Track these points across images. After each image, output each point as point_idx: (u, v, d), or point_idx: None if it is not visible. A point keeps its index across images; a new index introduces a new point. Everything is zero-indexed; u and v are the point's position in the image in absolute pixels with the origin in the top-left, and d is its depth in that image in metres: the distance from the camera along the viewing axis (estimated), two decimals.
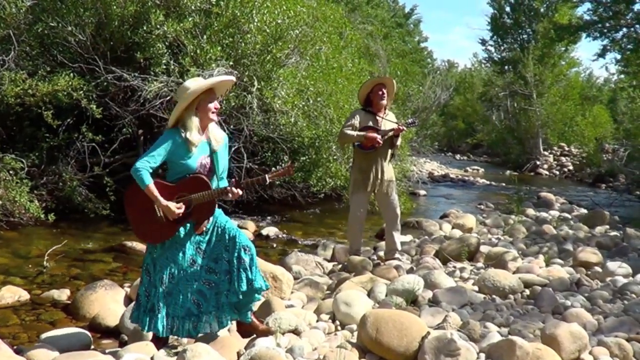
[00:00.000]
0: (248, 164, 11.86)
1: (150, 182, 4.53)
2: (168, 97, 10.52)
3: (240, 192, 4.70)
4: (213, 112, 4.72)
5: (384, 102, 7.88)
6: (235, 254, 4.70)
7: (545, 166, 33.61)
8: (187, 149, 4.60)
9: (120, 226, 10.55)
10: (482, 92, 48.48)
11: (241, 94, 11.08)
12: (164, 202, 4.56)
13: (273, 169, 4.83)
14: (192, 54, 10.62)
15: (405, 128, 7.84)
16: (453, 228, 11.30)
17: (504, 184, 24.27)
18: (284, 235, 11.05)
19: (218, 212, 4.86)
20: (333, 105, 12.47)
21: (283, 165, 4.92)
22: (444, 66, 67.77)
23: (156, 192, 4.55)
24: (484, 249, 8.50)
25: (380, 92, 7.83)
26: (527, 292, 6.39)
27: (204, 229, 4.77)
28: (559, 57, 37.74)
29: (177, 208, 4.58)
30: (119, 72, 10.62)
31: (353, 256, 7.93)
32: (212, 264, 4.76)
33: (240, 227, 10.83)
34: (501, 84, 39.33)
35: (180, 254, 4.71)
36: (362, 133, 7.67)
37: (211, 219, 4.79)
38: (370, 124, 7.78)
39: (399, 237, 8.16)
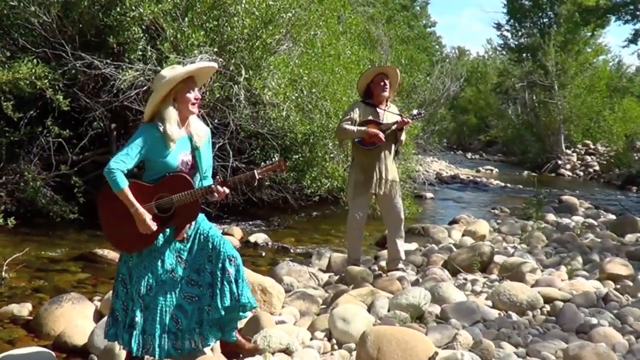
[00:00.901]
0: (234, 162, 11.85)
1: (124, 185, 4.48)
2: (144, 87, 10.50)
3: (227, 192, 4.69)
4: (193, 103, 4.69)
5: (386, 93, 7.88)
6: (220, 265, 4.68)
7: (568, 166, 33.68)
8: (166, 145, 4.58)
9: (90, 232, 10.52)
10: (496, 83, 48.65)
11: (227, 85, 11.07)
12: (140, 210, 4.52)
13: (262, 164, 4.81)
14: (171, 39, 10.60)
15: (410, 120, 7.84)
16: (463, 235, 11.29)
17: (521, 186, 24.30)
18: (274, 243, 11.04)
19: (201, 217, 4.84)
20: (329, 97, 12.47)
21: (273, 159, 4.86)
22: (454, 54, 67.94)
23: (131, 197, 4.51)
24: (498, 259, 8.49)
25: (382, 83, 7.83)
26: (548, 308, 6.38)
27: (185, 235, 4.75)
28: (585, 44, 37.79)
29: (151, 223, 4.56)
30: (89, 59, 10.60)
31: (351, 266, 7.93)
32: (194, 275, 4.73)
33: (225, 233, 10.84)
34: (518, 73, 39.39)
35: (159, 263, 4.66)
36: (362, 128, 7.68)
37: (193, 224, 4.77)
38: (371, 117, 7.79)
39: (402, 245, 8.16)
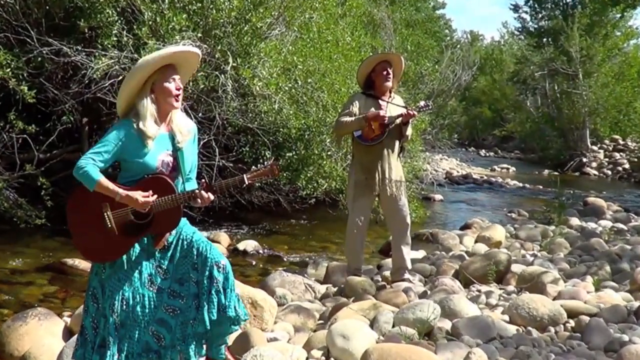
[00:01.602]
0: (220, 161, 11.85)
1: (99, 176, 4.41)
2: (120, 77, 10.47)
3: (212, 197, 4.63)
4: (174, 95, 4.61)
5: (389, 84, 7.87)
6: (206, 273, 4.64)
7: (594, 164, 33.74)
8: (143, 143, 4.52)
9: (59, 239, 10.51)
10: (513, 71, 48.71)
11: (212, 74, 11.06)
12: (124, 192, 4.44)
13: (253, 167, 4.74)
14: (150, 22, 10.59)
15: (416, 113, 7.83)
16: (477, 242, 11.31)
17: (540, 187, 24.35)
18: (266, 251, 11.05)
19: (183, 221, 4.79)
20: (327, 88, 12.48)
21: (266, 163, 4.81)
22: (466, 39, 68.00)
23: (111, 185, 4.44)
24: (516, 268, 8.50)
25: (385, 72, 7.81)
26: (572, 323, 6.38)
27: (165, 242, 4.72)
28: (613, 27, 37.79)
29: (143, 196, 4.47)
30: (57, 45, 10.58)
31: (352, 277, 7.92)
32: (177, 286, 4.69)
33: (210, 239, 10.81)
34: (538, 61, 39.39)
35: (136, 274, 4.61)
36: (360, 116, 7.67)
37: (175, 230, 4.75)
38: (373, 110, 7.78)
39: (409, 253, 8.15)
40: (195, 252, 4.70)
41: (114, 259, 4.61)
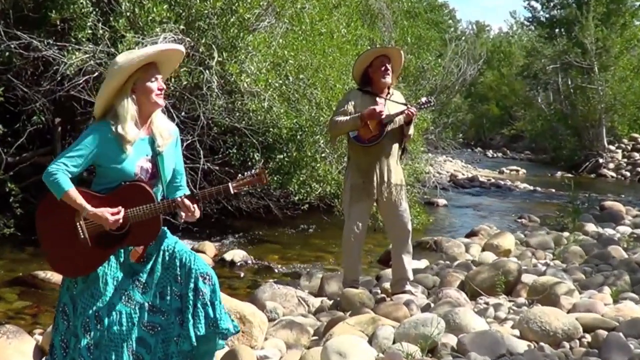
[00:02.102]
0: (205, 164, 11.84)
1: (69, 187, 4.39)
2: (95, 74, 10.48)
3: (196, 210, 4.62)
4: (157, 95, 4.60)
5: (388, 79, 7.86)
6: (191, 285, 4.61)
7: (611, 165, 33.76)
8: (121, 148, 4.50)
9: (30, 250, 10.50)
10: (523, 65, 48.81)
11: (196, 70, 11.06)
12: (91, 209, 4.41)
13: (240, 175, 4.73)
14: (128, 14, 10.58)
15: (415, 111, 7.82)
16: (484, 250, 11.32)
17: (553, 190, 24.38)
18: (255, 261, 11.05)
19: (164, 231, 4.78)
20: (320, 85, 12.48)
21: (253, 170, 4.78)
22: (471, 30, 68.10)
23: (80, 199, 4.41)
24: (527, 278, 8.51)
25: (383, 67, 7.81)
26: (588, 338, 6.38)
27: (144, 255, 4.68)
28: (632, 16, 37.79)
29: (112, 214, 4.44)
30: (27, 39, 10.57)
31: (349, 289, 7.93)
32: (157, 301, 4.64)
33: (194, 250, 10.81)
34: (550, 53, 39.42)
35: (111, 289, 4.57)
36: (356, 115, 7.67)
37: (154, 241, 4.71)
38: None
39: (410, 263, 8.16)
40: (178, 264, 4.67)
41: (87, 272, 4.57)
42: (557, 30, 40.24)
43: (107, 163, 4.51)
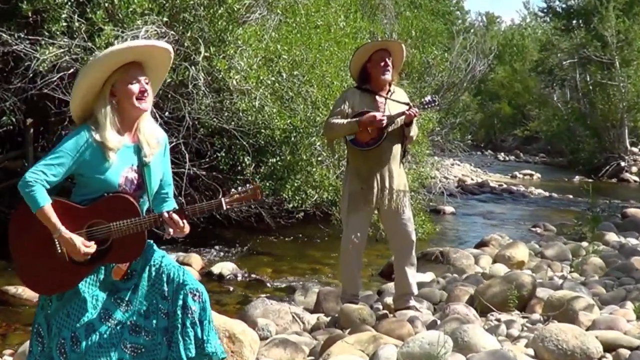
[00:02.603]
0: (191, 168, 11.85)
1: (45, 202, 4.34)
2: (71, 70, 10.47)
3: (185, 226, 4.58)
4: (139, 99, 4.53)
5: (388, 76, 7.85)
6: (180, 303, 4.56)
7: (634, 169, 33.80)
8: (104, 156, 4.46)
9: (0, 264, 10.49)
10: (537, 60, 48.79)
11: (181, 66, 11.06)
12: (66, 233, 4.37)
13: (233, 190, 4.70)
14: (106, 4, 10.58)
15: (417, 111, 7.78)
16: (495, 262, 11.32)
17: (570, 196, 24.39)
18: (246, 275, 11.06)
19: (150, 244, 4.73)
20: (317, 82, 12.50)
21: (248, 185, 4.75)
22: (481, 22, 68.22)
23: (54, 219, 4.37)
24: (542, 292, 8.52)
25: (383, 63, 7.80)
26: (609, 358, 6.40)
27: (127, 271, 4.63)
28: None
29: (85, 246, 4.41)
30: None
31: (347, 304, 7.92)
32: (141, 320, 4.59)
33: (180, 262, 10.80)
34: (567, 47, 39.44)
35: (89, 308, 4.52)
36: (354, 119, 7.66)
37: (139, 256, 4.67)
38: (366, 109, 7.76)
39: (414, 276, 8.17)
40: (165, 279, 4.64)
41: (64, 290, 4.54)
42: (574, 21, 40.23)
43: (89, 172, 4.47)
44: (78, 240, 4.39)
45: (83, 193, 4.55)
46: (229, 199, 4.62)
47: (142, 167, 4.62)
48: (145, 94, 4.56)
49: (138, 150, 4.61)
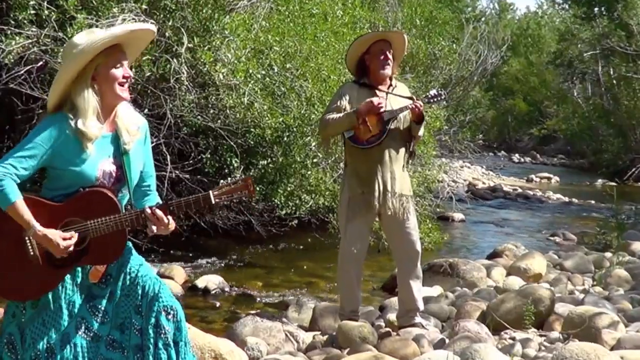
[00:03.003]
0: (173, 171, 11.82)
1: (17, 198, 4.32)
2: (40, 63, 10.47)
3: (170, 222, 4.58)
4: (122, 84, 4.54)
5: (388, 70, 7.84)
6: (152, 320, 4.57)
7: None
8: (81, 146, 4.43)
9: None
10: (555, 51, 48.84)
11: (161, 58, 11.05)
12: (40, 229, 4.35)
13: (222, 182, 4.71)
14: None
15: (422, 105, 7.74)
16: (510, 274, 11.33)
17: (592, 202, 24.44)
18: (233, 289, 11.06)
19: (127, 249, 4.73)
20: (311, 76, 12.50)
21: (239, 177, 4.74)
22: (493, 10, 68.35)
23: (27, 215, 4.35)
24: (561, 308, 8.53)
25: (382, 56, 7.79)
26: None
27: (104, 274, 4.62)
28: None
29: (64, 239, 4.37)
30: None
31: (346, 321, 7.90)
32: (117, 333, 4.61)
33: (160, 275, 10.81)
34: (588, 37, 39.47)
35: (65, 317, 4.52)
36: (351, 111, 7.64)
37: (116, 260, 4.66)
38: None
39: (420, 290, 8.16)
40: (140, 291, 4.63)
41: (37, 296, 4.52)
42: (596, 9, 40.26)
43: (64, 165, 4.44)
44: (55, 235, 4.36)
45: (55, 187, 4.53)
46: (218, 192, 4.58)
47: (121, 157, 4.59)
48: (129, 80, 4.58)
49: (116, 140, 4.60)
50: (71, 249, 4.40)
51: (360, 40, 8.01)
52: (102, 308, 4.61)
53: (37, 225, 4.34)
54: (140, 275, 4.67)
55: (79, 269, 4.58)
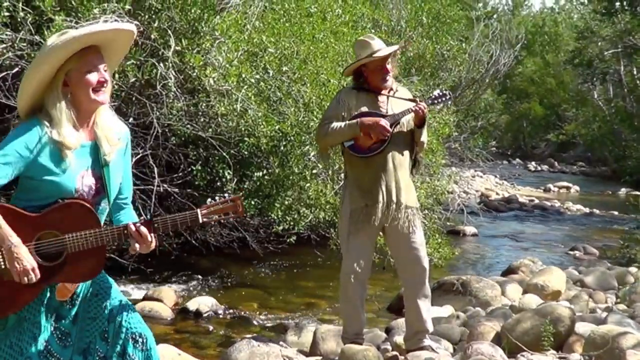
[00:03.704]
0: (161, 185, 11.82)
1: None
2: (16, 69, 10.49)
3: (153, 241, 4.55)
4: (96, 90, 4.48)
5: (389, 82, 7.86)
6: (118, 348, 4.55)
7: None
8: (60, 155, 4.40)
9: None
10: (574, 50, 48.84)
11: (147, 63, 11.06)
12: (15, 242, 4.30)
13: (210, 200, 4.69)
14: None
15: (426, 107, 7.75)
16: (526, 292, 11.34)
17: (615, 213, 24.45)
18: (227, 311, 11.07)
19: None
20: (310, 80, 12.51)
21: (227, 196, 4.72)
22: (505, 6, 68.47)
23: (5, 227, 4.29)
24: (582, 328, 8.53)
25: (382, 70, 7.77)
26: None
27: (72, 293, 4.59)
28: None
29: (32, 268, 4.30)
30: None
31: (350, 345, 7.90)
32: (79, 359, 4.60)
33: (148, 297, 10.82)
34: (609, 34, 39.50)
35: (29, 339, 4.51)
36: (353, 121, 7.64)
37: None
38: (366, 109, 7.76)
39: (429, 310, 8.15)
40: (107, 314, 4.62)
41: (7, 314, 4.50)
42: (617, 4, 40.19)
43: (40, 174, 4.40)
44: (28, 261, 4.31)
45: (29, 199, 4.49)
46: (206, 211, 4.60)
47: (101, 168, 4.57)
48: (105, 85, 4.51)
49: (95, 149, 4.57)
50: (33, 279, 4.33)
51: (354, 64, 8.00)
52: (66, 330, 4.60)
53: (15, 239, 4.29)
54: (110, 298, 4.66)
55: (47, 287, 4.53)
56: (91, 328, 4.60)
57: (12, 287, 4.41)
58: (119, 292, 4.75)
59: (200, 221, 4.57)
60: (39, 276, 4.35)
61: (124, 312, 4.59)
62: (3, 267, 4.36)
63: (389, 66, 7.78)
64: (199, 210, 4.59)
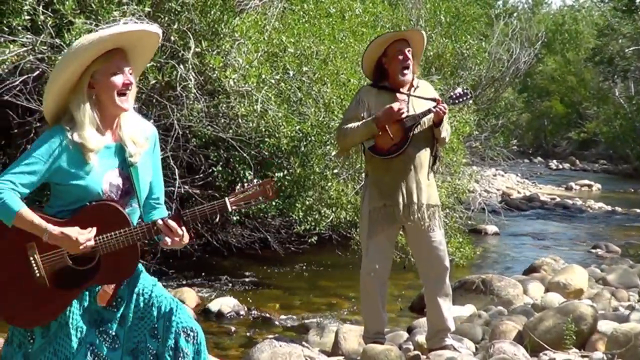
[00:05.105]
0: (182, 186, 11.82)
1: (21, 207, 4.28)
2: (37, 72, 10.50)
3: (185, 234, 4.54)
4: (122, 93, 4.49)
5: (409, 76, 7.77)
6: (170, 343, 4.55)
7: None
8: (83, 159, 4.41)
9: None
10: (594, 47, 48.67)
11: (167, 64, 11.06)
12: (55, 228, 4.30)
13: (238, 187, 4.66)
14: None
15: (446, 107, 7.68)
16: (548, 291, 11.30)
17: (637, 210, 24.37)
18: (250, 312, 11.06)
19: (139, 268, 4.72)
20: (330, 80, 12.49)
21: (256, 181, 4.65)
22: (526, 4, 68.26)
23: (37, 218, 4.30)
24: (605, 326, 8.49)
25: (401, 56, 7.70)
26: None
27: (114, 297, 4.59)
28: None
29: (80, 233, 4.32)
30: None
31: (372, 345, 7.89)
32: (129, 359, 4.59)
33: None
34: (630, 31, 39.34)
35: (74, 344, 4.49)
36: (370, 119, 7.58)
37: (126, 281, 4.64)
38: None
39: (450, 309, 8.13)
40: (155, 313, 4.61)
41: (46, 321, 4.48)
42: (637, 1, 40.12)
43: (66, 179, 4.42)
44: (74, 230, 4.31)
45: (59, 205, 4.51)
46: (234, 198, 4.58)
47: (129, 169, 4.57)
48: (129, 88, 4.51)
49: (121, 150, 4.57)
50: (91, 237, 4.36)
51: (376, 42, 7.90)
52: (113, 333, 4.58)
53: (51, 227, 4.29)
54: (155, 296, 4.66)
55: (87, 292, 4.54)
56: (139, 327, 4.61)
57: (47, 295, 4.42)
58: (163, 289, 4.76)
59: (230, 209, 4.54)
60: (94, 232, 4.36)
61: (172, 308, 4.60)
62: (38, 275, 4.38)
63: (408, 53, 7.69)
64: (227, 199, 4.56)
